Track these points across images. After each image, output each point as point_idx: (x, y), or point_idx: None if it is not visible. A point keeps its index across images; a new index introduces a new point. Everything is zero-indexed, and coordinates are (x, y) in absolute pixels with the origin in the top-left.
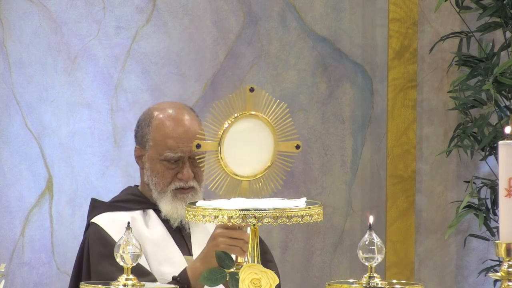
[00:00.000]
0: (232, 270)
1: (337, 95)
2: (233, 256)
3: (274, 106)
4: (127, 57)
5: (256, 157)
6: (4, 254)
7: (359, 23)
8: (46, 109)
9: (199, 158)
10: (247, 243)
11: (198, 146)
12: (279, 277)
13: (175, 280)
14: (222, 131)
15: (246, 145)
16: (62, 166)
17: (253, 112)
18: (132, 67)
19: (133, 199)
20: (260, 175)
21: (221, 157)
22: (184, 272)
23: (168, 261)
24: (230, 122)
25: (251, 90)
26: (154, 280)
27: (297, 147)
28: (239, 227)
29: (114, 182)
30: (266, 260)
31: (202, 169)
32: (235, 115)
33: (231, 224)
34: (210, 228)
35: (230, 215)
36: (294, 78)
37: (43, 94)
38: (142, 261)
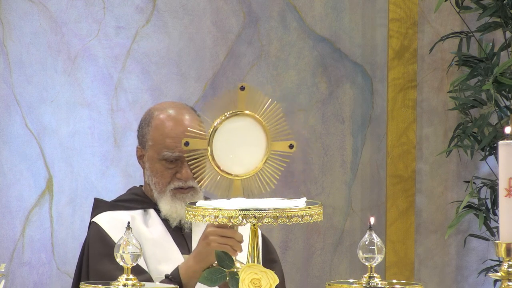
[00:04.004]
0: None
1: (337, 95)
2: None
3: (268, 106)
4: (127, 57)
5: (248, 156)
6: (4, 254)
7: (359, 23)
8: (46, 109)
9: (192, 158)
10: (239, 242)
11: (187, 144)
12: (283, 278)
13: (167, 278)
14: (212, 130)
15: (238, 144)
16: (62, 166)
17: (244, 111)
18: (132, 67)
19: (135, 199)
20: (252, 174)
21: (212, 156)
22: (176, 270)
23: (166, 260)
24: (220, 120)
25: (242, 88)
26: (149, 278)
27: (291, 146)
28: (230, 226)
29: (114, 182)
30: (271, 260)
31: (191, 168)
32: (226, 113)
33: (222, 223)
34: None
35: (230, 215)
36: (294, 78)
37: (43, 94)
38: (139, 260)
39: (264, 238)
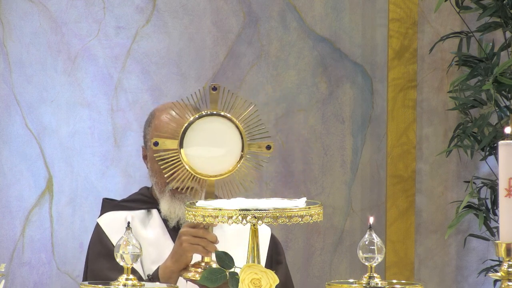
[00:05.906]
0: (206, 268)
1: (337, 95)
2: (199, 256)
3: (245, 107)
4: (127, 57)
5: (223, 156)
6: (4, 254)
7: (359, 23)
8: (46, 109)
9: (161, 158)
10: (212, 242)
11: (156, 143)
12: (287, 279)
13: (148, 278)
14: (182, 130)
15: (211, 144)
16: (62, 166)
17: (216, 112)
18: (132, 67)
19: (140, 199)
20: (227, 175)
21: (183, 155)
22: (156, 270)
23: (160, 260)
24: (192, 121)
25: (214, 89)
26: (139, 278)
27: (268, 147)
28: (204, 226)
29: (114, 182)
30: (278, 261)
31: (162, 167)
32: (198, 114)
33: (196, 222)
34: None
35: (230, 215)
36: (294, 78)
37: (43, 94)
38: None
39: (274, 239)
